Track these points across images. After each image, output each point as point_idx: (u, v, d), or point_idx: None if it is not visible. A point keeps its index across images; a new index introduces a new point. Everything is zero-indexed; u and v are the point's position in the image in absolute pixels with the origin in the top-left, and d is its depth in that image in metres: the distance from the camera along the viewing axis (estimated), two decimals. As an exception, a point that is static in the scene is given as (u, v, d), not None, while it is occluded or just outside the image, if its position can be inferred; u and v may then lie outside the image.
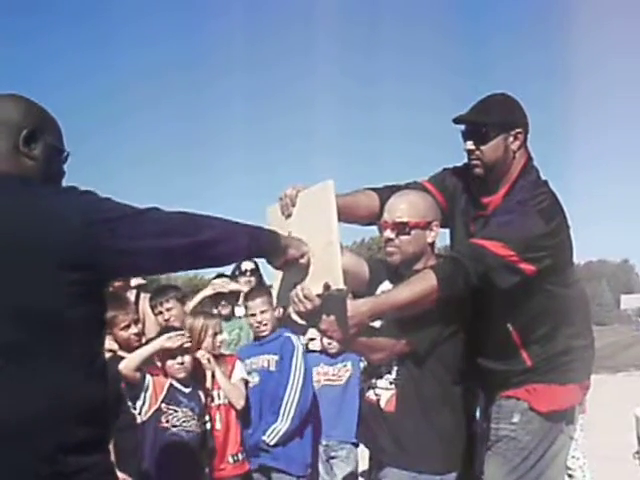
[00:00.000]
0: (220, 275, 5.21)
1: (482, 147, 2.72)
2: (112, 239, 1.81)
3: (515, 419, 2.73)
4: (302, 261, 2.32)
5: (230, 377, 4.14)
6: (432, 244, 2.82)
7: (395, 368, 2.79)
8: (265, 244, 2.17)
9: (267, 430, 4.13)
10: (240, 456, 4.10)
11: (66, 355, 1.80)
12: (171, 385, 3.80)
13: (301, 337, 4.75)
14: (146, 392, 3.70)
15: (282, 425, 4.12)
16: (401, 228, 2.73)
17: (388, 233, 2.76)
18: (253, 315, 4.36)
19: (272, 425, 4.13)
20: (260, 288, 4.70)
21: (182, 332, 3.84)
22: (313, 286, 2.43)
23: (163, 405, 3.73)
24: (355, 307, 2.56)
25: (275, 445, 4.12)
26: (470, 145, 2.74)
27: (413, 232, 2.74)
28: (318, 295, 2.42)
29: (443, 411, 2.75)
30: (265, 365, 4.28)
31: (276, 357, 4.27)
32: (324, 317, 2.55)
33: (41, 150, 1.92)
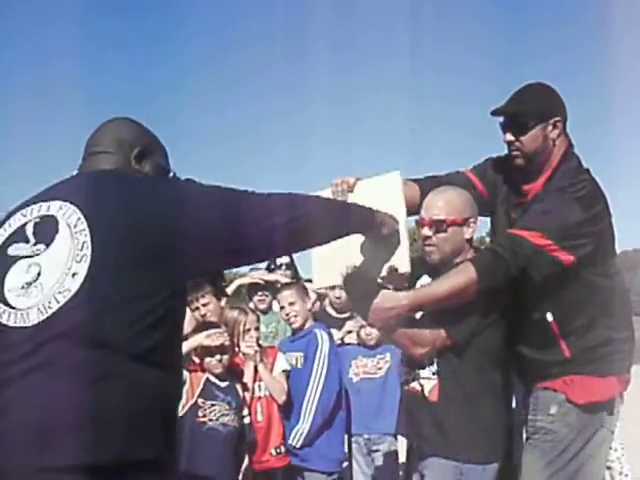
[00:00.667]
0: (255, 269, 5.17)
1: (521, 138, 2.71)
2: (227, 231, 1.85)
3: (552, 411, 2.69)
4: (393, 238, 2.39)
5: (272, 370, 4.11)
6: (470, 240, 2.83)
7: (436, 359, 2.79)
8: (365, 219, 2.25)
9: (291, 433, 4.09)
10: (282, 449, 4.07)
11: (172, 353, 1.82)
12: (207, 380, 3.77)
13: (336, 331, 4.70)
14: (183, 387, 3.65)
15: (304, 426, 4.07)
16: (438, 226, 2.75)
17: (426, 231, 2.77)
18: (282, 308, 4.34)
19: (295, 427, 4.09)
20: (290, 281, 4.66)
21: (221, 330, 3.82)
22: (374, 269, 2.51)
23: (200, 400, 3.70)
24: (396, 298, 2.60)
25: (301, 447, 4.08)
26: (509, 137, 2.74)
27: (450, 229, 2.75)
28: (381, 277, 2.53)
29: (485, 401, 2.75)
30: (294, 363, 4.24)
31: (302, 354, 4.22)
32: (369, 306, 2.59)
33: (150, 168, 2.04)
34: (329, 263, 2.60)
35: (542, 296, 2.67)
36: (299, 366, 4.22)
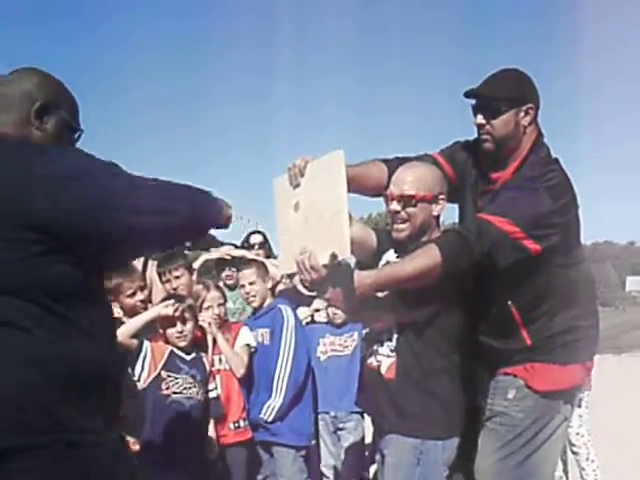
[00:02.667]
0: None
1: (492, 121, 2.67)
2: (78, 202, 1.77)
3: (510, 395, 2.70)
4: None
5: (234, 344, 4.08)
6: (437, 217, 2.80)
7: (395, 336, 2.77)
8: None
9: (262, 408, 4.07)
10: (242, 423, 4.04)
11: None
12: (172, 352, 3.72)
13: (305, 308, 4.66)
14: (144, 359, 3.63)
15: (276, 401, 4.07)
16: (407, 201, 2.71)
17: (394, 205, 2.73)
18: (242, 286, 4.32)
19: (267, 402, 4.07)
20: (249, 260, 4.63)
21: (180, 299, 3.75)
22: (320, 255, 2.45)
23: (163, 372, 3.64)
24: (360, 278, 2.53)
25: (273, 421, 4.06)
26: (480, 119, 2.68)
27: (419, 205, 2.72)
28: (324, 265, 2.46)
29: (442, 378, 2.74)
30: (260, 340, 4.21)
31: (268, 330, 4.20)
32: (330, 287, 2.55)
33: (53, 124, 1.93)
34: (289, 249, 2.58)
35: (504, 284, 2.64)
36: (266, 342, 4.19)
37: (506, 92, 2.66)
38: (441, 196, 2.76)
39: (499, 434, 2.69)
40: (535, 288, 2.65)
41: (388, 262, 2.81)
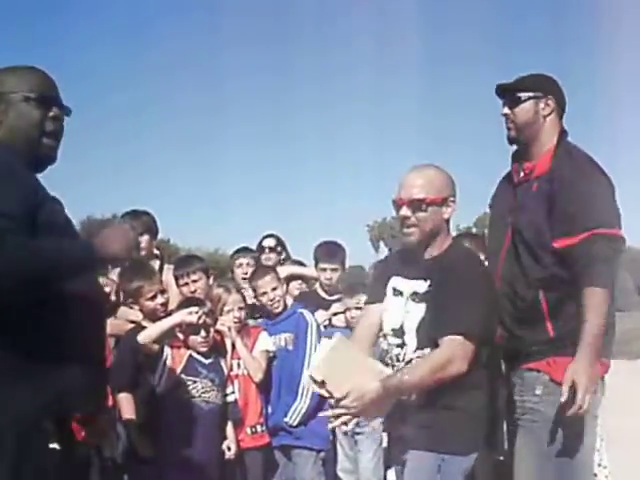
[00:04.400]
0: (243, 249, 5.08)
1: (515, 109, 2.89)
2: None
3: (537, 391, 2.74)
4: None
5: (252, 349, 4.07)
6: (448, 220, 2.77)
7: (420, 352, 2.71)
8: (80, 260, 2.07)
9: (288, 411, 4.07)
10: (259, 428, 4.04)
11: None
12: (190, 356, 3.73)
13: (323, 312, 4.65)
14: (164, 364, 3.63)
15: (302, 404, 4.08)
16: (417, 205, 2.68)
17: (404, 211, 2.70)
18: (264, 293, 4.26)
19: (292, 405, 4.07)
20: (264, 266, 4.66)
21: (205, 308, 3.75)
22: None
23: (182, 376, 3.66)
24: (370, 391, 2.56)
25: (297, 425, 4.07)
26: (506, 110, 2.92)
27: (430, 209, 2.69)
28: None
29: (471, 393, 2.68)
30: (282, 344, 4.20)
31: (292, 335, 4.19)
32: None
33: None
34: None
35: (539, 276, 2.75)
36: (289, 347, 4.18)
37: (527, 85, 2.90)
38: (451, 199, 2.74)
39: (535, 435, 2.72)
40: (567, 283, 2.72)
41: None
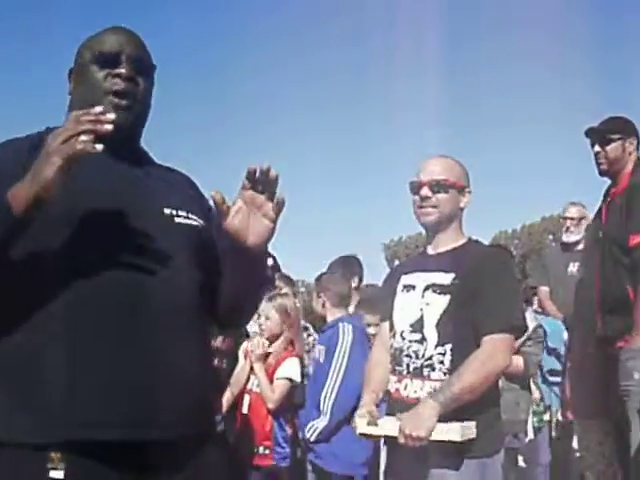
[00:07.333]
0: None
1: (606, 147, 3.63)
2: None
3: (637, 376, 3.12)
4: None
5: (274, 372, 4.04)
6: (462, 210, 2.77)
7: (449, 357, 2.57)
8: None
9: (307, 425, 3.96)
10: (262, 449, 3.97)
11: None
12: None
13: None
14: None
15: (320, 422, 3.90)
16: (439, 186, 2.69)
17: (425, 191, 2.68)
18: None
19: (312, 420, 3.94)
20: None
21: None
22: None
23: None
24: (428, 413, 2.42)
25: (317, 442, 3.92)
26: (597, 148, 3.65)
27: (451, 191, 2.70)
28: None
29: (497, 398, 2.68)
30: (317, 356, 4.15)
31: (324, 348, 4.09)
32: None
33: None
34: None
35: (626, 272, 3.37)
36: (321, 360, 4.08)
37: (616, 127, 3.67)
38: (467, 189, 2.76)
39: None
40: None
41: None
